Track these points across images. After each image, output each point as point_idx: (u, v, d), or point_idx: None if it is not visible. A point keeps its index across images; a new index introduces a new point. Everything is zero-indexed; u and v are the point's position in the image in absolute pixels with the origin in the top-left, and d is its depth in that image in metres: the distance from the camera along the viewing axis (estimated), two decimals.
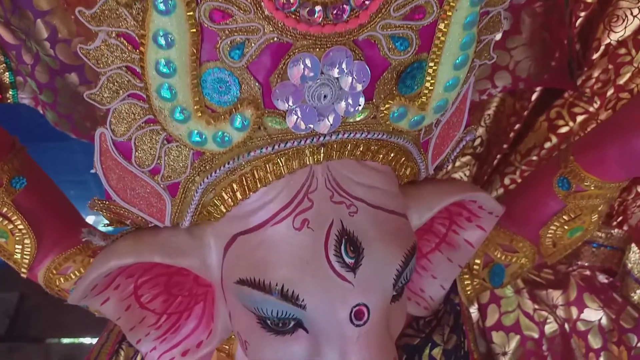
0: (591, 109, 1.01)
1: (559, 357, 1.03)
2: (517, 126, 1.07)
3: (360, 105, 0.51)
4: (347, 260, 0.54)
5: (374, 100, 0.52)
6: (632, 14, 0.95)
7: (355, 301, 0.54)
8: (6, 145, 0.73)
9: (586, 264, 1.04)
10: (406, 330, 0.80)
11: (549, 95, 1.06)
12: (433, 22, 0.50)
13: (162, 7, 0.44)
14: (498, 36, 0.95)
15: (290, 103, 0.49)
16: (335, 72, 0.48)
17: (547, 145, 1.05)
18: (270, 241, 0.55)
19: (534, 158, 1.06)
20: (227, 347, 0.74)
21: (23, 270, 0.81)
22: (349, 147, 0.55)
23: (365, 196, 0.57)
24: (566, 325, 1.05)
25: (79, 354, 2.06)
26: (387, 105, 0.52)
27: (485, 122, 1.12)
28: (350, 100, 0.50)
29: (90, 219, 1.17)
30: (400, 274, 0.57)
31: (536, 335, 1.06)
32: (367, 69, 0.49)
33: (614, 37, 0.97)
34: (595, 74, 1.00)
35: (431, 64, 0.51)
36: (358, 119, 0.53)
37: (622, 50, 0.97)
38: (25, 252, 0.79)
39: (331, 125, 0.51)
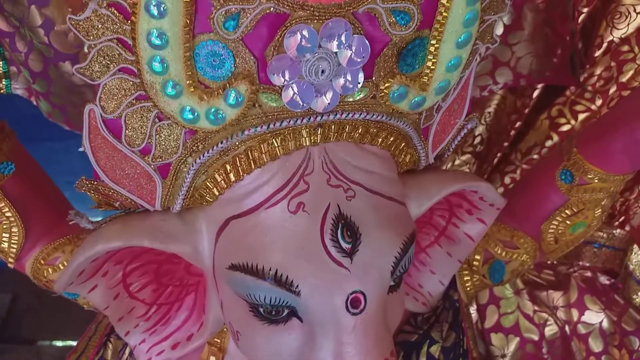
0: (593, 107, 0.99)
1: None
2: (518, 124, 1.06)
3: (359, 82, 0.49)
4: (344, 245, 0.52)
5: (373, 78, 0.50)
6: (635, 10, 0.94)
7: (352, 288, 0.52)
8: None
9: (587, 265, 1.01)
10: (404, 327, 0.77)
11: (550, 93, 1.04)
12: None
13: None
14: (499, 31, 0.94)
15: (287, 78, 0.47)
16: (333, 46, 0.46)
17: (549, 143, 1.03)
18: (264, 225, 0.53)
19: (535, 157, 1.05)
20: (218, 340, 0.72)
21: (10, 260, 0.79)
22: (347, 129, 0.53)
23: (363, 180, 0.55)
24: (567, 328, 1.03)
25: None
26: (387, 84, 0.50)
27: (485, 120, 1.10)
28: (349, 77, 0.48)
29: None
30: (398, 261, 0.55)
31: (536, 338, 1.04)
32: (366, 43, 0.47)
33: (616, 34, 0.96)
34: (598, 72, 0.98)
35: (433, 42, 0.49)
36: (357, 98, 0.51)
37: (625, 48, 0.96)
38: (12, 241, 0.77)
39: (329, 103, 0.49)
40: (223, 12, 0.44)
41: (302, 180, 0.53)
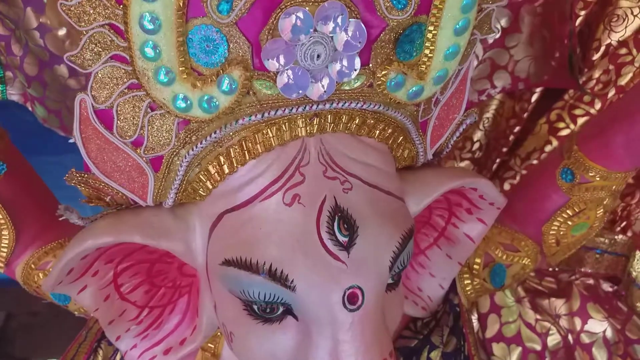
0: (592, 111, 0.99)
1: None
2: (516, 129, 1.05)
3: (355, 68, 0.48)
4: (341, 238, 0.50)
5: (370, 65, 0.49)
6: (632, 13, 0.94)
7: (349, 283, 0.50)
8: None
9: (589, 271, 1.00)
10: (403, 332, 0.75)
11: (549, 97, 1.04)
12: None
13: None
14: (499, 26, 0.94)
15: (281, 62, 0.46)
16: (329, 29, 0.45)
17: (548, 148, 1.02)
18: (259, 218, 0.51)
19: (534, 162, 1.04)
20: (212, 346, 0.70)
21: (0, 264, 0.77)
22: (344, 119, 0.52)
23: (361, 173, 0.53)
24: (569, 337, 1.01)
25: None
26: (384, 72, 0.49)
27: (484, 125, 1.10)
28: (345, 62, 0.47)
29: None
30: (396, 256, 0.53)
31: (538, 348, 1.01)
32: (363, 28, 0.46)
33: (614, 37, 0.96)
34: (596, 75, 0.98)
35: (430, 28, 0.48)
36: (354, 86, 0.50)
37: (623, 51, 0.95)
38: (2, 245, 0.75)
39: (325, 91, 0.48)
40: None
41: (298, 171, 0.51)
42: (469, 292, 0.79)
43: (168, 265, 0.63)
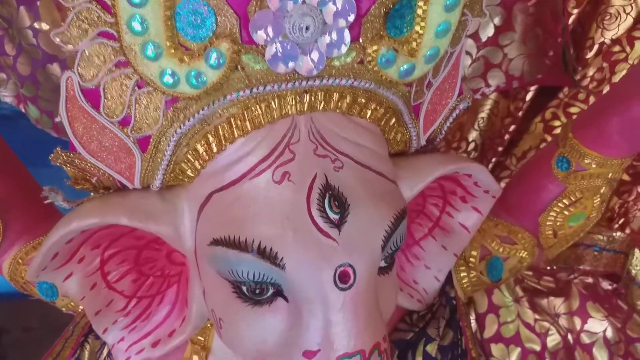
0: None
1: None
2: (512, 128, 1.05)
3: (345, 43, 0.47)
4: (332, 215, 0.49)
5: (360, 40, 0.49)
6: (625, 11, 0.94)
7: (340, 261, 0.49)
8: None
9: (588, 269, 0.98)
10: (399, 325, 0.74)
11: (543, 96, 1.04)
12: None
13: None
14: (490, 32, 0.94)
15: (270, 34, 0.45)
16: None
17: (543, 146, 1.02)
18: (248, 196, 0.50)
19: None
20: (202, 338, 0.68)
21: None
22: (334, 98, 0.51)
23: (352, 152, 0.53)
24: (569, 337, 0.99)
25: None
26: (374, 47, 0.49)
27: (479, 125, 1.09)
28: (334, 35, 0.47)
29: None
30: (389, 236, 0.52)
31: (538, 348, 0.99)
32: (352, 0, 0.46)
33: (607, 36, 0.96)
34: (590, 73, 0.98)
35: (421, 3, 0.48)
36: (344, 62, 0.50)
37: (617, 48, 0.96)
38: None
39: (314, 66, 0.48)
40: None
41: (288, 149, 0.50)
42: (465, 285, 0.78)
43: (156, 253, 0.62)
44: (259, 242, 0.48)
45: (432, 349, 0.71)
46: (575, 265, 0.99)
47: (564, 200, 0.72)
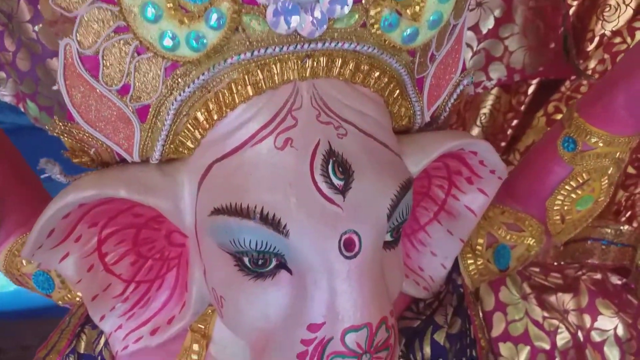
0: None
1: None
2: (514, 122, 1.04)
3: (347, 4, 0.47)
4: (336, 181, 0.48)
5: (362, 2, 0.48)
6: (624, 2, 0.94)
7: (345, 227, 0.48)
8: None
9: (596, 263, 0.96)
10: (405, 313, 0.72)
11: (545, 90, 1.03)
12: None
13: None
14: (490, 23, 0.94)
15: None
16: None
17: None
18: (249, 163, 0.49)
19: None
20: (202, 326, 0.66)
21: None
22: (337, 63, 0.50)
23: (356, 120, 0.51)
24: (579, 334, 0.96)
25: None
26: (377, 9, 0.48)
27: (481, 121, 1.08)
28: None
29: None
30: (395, 205, 0.50)
31: (547, 347, 0.96)
32: None
33: (608, 28, 0.96)
34: (592, 65, 0.98)
35: None
36: (346, 25, 0.49)
37: (618, 40, 0.95)
38: None
39: (316, 27, 0.47)
40: None
41: (290, 115, 0.49)
42: (472, 273, 0.76)
43: (155, 233, 0.60)
44: (262, 208, 0.47)
45: (440, 337, 0.69)
46: (584, 259, 0.97)
47: (571, 183, 0.71)
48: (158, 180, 0.54)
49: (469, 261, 0.75)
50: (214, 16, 0.45)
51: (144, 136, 0.52)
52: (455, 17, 0.56)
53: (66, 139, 0.53)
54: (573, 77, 1.00)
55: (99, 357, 0.69)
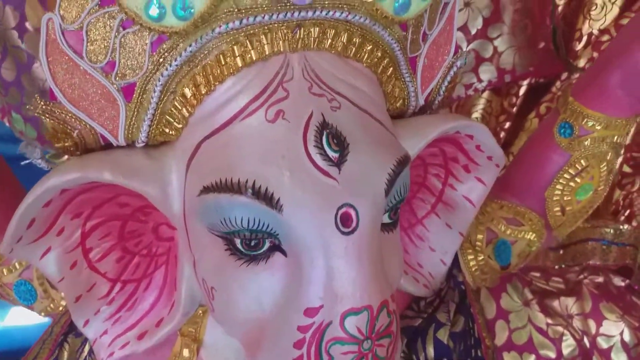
0: None
1: None
2: (507, 125, 1.03)
3: None
4: (330, 153, 0.46)
5: None
6: (610, 1, 0.95)
7: (341, 201, 0.45)
8: None
9: (598, 263, 0.94)
10: (406, 312, 0.68)
11: (536, 92, 1.03)
12: None
13: None
14: (479, 23, 0.94)
15: None
16: None
17: None
18: (239, 138, 0.47)
19: None
20: (192, 330, 0.62)
21: None
22: (329, 35, 0.49)
23: (349, 95, 0.50)
24: (585, 340, 0.93)
25: None
26: None
27: None
28: None
29: None
30: (392, 180, 0.48)
31: (553, 355, 0.93)
32: None
33: (595, 26, 0.97)
34: (582, 64, 0.98)
35: None
36: None
37: (606, 37, 0.96)
38: None
39: None
40: None
41: (281, 87, 0.48)
42: (473, 269, 0.73)
43: (142, 226, 0.57)
44: (253, 181, 0.45)
45: (443, 335, 0.66)
46: (584, 261, 0.95)
47: (570, 171, 0.69)
48: (144, 163, 0.51)
49: (469, 257, 0.73)
50: None
51: (130, 115, 0.50)
52: None
53: (48, 119, 0.51)
54: (564, 78, 1.00)
55: None
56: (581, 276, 0.98)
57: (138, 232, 0.57)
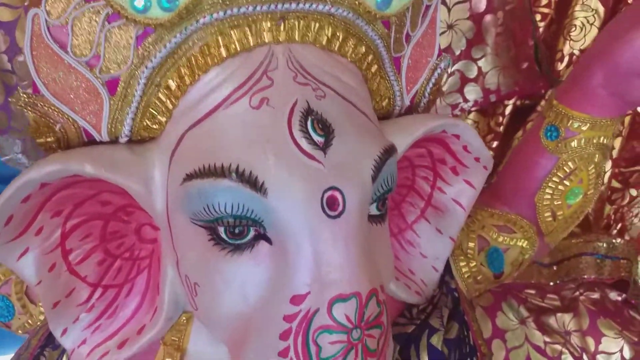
0: None
1: None
2: (495, 144, 1.04)
3: None
4: (316, 137, 0.46)
5: None
6: (589, 22, 0.98)
7: (327, 184, 0.45)
8: None
9: (593, 277, 0.92)
10: (398, 319, 0.66)
11: (522, 111, 1.04)
12: None
13: None
14: (462, 45, 0.96)
15: None
16: None
17: None
18: (224, 125, 0.47)
19: None
20: (175, 339, 0.60)
21: None
22: (313, 29, 0.50)
23: (334, 85, 0.50)
24: (585, 357, 0.90)
25: None
26: None
27: None
28: None
29: None
30: (379, 168, 0.48)
31: None
32: None
33: (575, 47, 0.99)
34: None
35: None
36: None
37: None
38: None
39: None
40: None
41: (265, 75, 0.48)
42: (466, 276, 0.71)
43: (125, 226, 0.56)
44: (237, 165, 0.44)
45: (437, 341, 0.63)
46: (579, 275, 0.93)
47: (558, 173, 0.69)
48: (127, 157, 0.51)
49: (462, 264, 0.72)
50: None
51: (113, 109, 0.50)
52: None
53: (30, 112, 0.50)
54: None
55: None
56: (577, 293, 0.96)
57: (120, 233, 0.56)
